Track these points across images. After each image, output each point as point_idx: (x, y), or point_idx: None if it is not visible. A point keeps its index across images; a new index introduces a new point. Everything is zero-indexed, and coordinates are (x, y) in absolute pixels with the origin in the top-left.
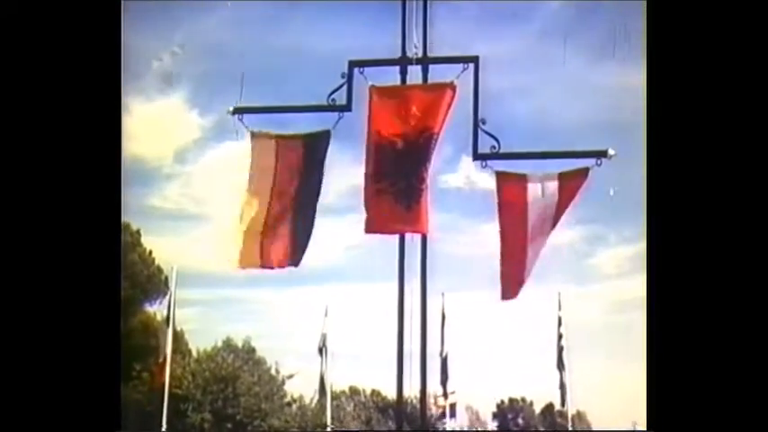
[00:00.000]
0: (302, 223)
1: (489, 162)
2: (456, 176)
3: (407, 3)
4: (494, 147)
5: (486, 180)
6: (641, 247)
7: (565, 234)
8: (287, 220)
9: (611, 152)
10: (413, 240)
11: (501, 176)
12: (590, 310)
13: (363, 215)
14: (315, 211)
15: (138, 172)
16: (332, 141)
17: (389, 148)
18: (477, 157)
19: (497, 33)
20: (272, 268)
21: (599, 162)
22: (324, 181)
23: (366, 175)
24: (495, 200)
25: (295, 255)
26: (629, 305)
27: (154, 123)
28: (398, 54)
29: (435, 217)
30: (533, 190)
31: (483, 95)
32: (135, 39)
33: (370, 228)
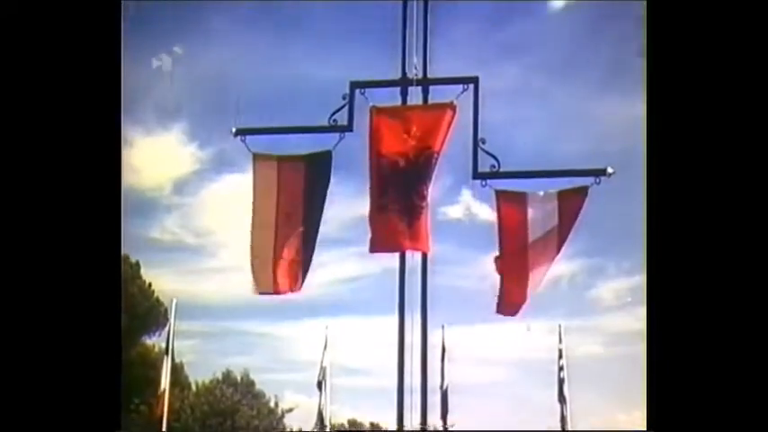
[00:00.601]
0: (307, 247)
1: (489, 181)
2: (456, 208)
3: (408, 25)
4: (493, 166)
5: (486, 212)
6: (641, 278)
7: (565, 266)
8: (295, 245)
9: (609, 170)
10: (413, 257)
11: (501, 195)
12: (591, 343)
13: (364, 247)
14: (317, 234)
15: (136, 204)
16: (334, 168)
17: (391, 167)
18: (476, 176)
19: (497, 62)
20: (282, 293)
21: (598, 180)
22: (326, 212)
23: (370, 194)
24: (495, 219)
25: (299, 280)
26: (629, 337)
27: (153, 155)
28: (399, 75)
29: (435, 248)
30: (533, 208)
31: (482, 123)
32: (134, 70)
33: (376, 247)
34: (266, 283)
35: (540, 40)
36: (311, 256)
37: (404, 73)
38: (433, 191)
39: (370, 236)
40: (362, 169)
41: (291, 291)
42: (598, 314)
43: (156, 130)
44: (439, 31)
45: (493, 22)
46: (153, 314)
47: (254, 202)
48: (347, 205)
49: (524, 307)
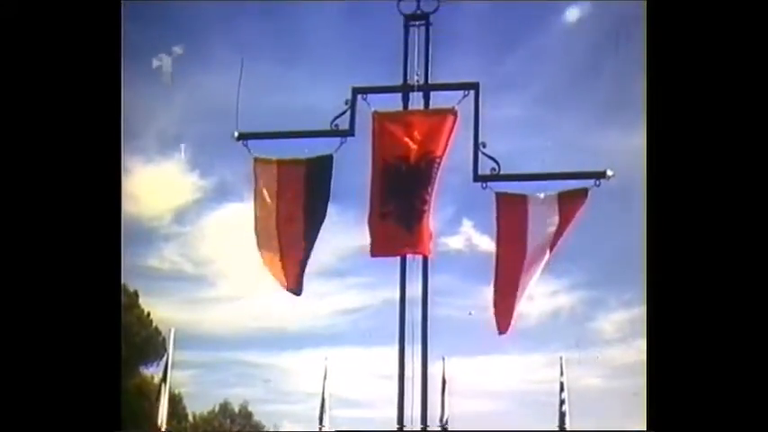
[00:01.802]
0: (307, 249)
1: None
2: (457, 239)
3: (410, 32)
4: (494, 169)
5: (486, 243)
6: (641, 310)
7: (565, 298)
8: (298, 248)
9: (609, 173)
10: (412, 284)
11: (501, 197)
12: (592, 375)
13: (364, 278)
14: (316, 236)
15: (136, 232)
16: (332, 195)
17: (392, 172)
18: (477, 179)
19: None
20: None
21: (597, 183)
22: (325, 243)
23: (371, 198)
24: (495, 222)
25: (300, 281)
26: (630, 369)
27: (153, 184)
28: (400, 81)
29: (436, 279)
30: (533, 211)
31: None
32: (134, 99)
33: (376, 251)
34: (279, 277)
35: (544, 65)
36: (308, 258)
37: (405, 79)
38: (434, 195)
39: (369, 240)
40: (362, 191)
41: (293, 291)
42: (599, 346)
43: (156, 159)
44: (438, 58)
45: (495, 47)
46: (151, 344)
47: (255, 205)
48: (346, 236)
49: (515, 318)
